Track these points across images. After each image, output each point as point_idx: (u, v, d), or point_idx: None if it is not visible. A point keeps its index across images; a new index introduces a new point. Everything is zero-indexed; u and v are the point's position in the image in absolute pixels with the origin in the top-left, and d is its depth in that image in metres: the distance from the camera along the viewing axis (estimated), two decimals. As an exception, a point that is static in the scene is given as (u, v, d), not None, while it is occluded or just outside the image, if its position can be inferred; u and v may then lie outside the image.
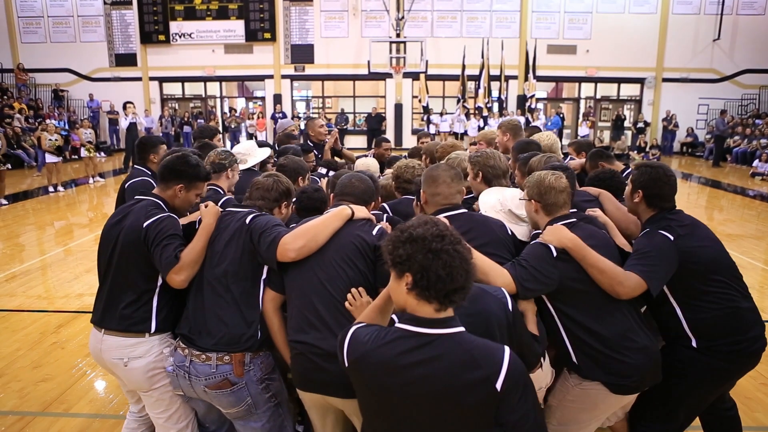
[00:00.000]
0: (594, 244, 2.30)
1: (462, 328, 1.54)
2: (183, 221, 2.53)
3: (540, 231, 2.45)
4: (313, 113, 21.31)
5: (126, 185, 3.57)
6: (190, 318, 2.33)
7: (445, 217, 2.31)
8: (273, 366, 2.41)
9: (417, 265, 1.48)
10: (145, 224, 2.35)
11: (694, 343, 2.38)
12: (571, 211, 2.50)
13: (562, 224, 2.35)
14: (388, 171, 4.09)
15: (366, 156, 5.26)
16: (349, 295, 2.12)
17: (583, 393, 2.31)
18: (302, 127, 10.31)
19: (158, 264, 2.31)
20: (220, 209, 2.49)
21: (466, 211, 2.49)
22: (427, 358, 1.48)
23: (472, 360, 1.47)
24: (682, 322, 2.41)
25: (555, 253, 2.25)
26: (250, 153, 4.17)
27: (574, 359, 2.29)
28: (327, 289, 2.17)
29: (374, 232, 2.29)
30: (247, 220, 2.34)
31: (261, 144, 4.37)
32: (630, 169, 3.60)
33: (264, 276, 2.35)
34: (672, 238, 2.38)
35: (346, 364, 1.59)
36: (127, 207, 2.52)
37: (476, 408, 1.49)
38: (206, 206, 2.48)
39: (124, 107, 15.04)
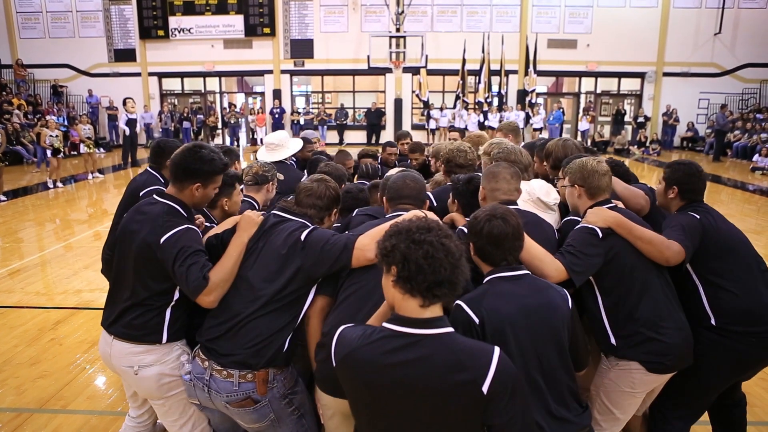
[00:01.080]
0: None
1: (450, 329, 1.52)
2: (218, 229, 2.40)
3: (572, 218, 2.52)
4: (312, 108, 21.28)
5: (140, 193, 3.18)
6: (214, 329, 2.16)
7: None
8: (296, 379, 2.30)
9: (399, 255, 1.48)
10: (161, 240, 2.15)
11: (713, 321, 2.43)
12: None
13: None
14: (391, 171, 3.97)
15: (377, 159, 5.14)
16: None
17: (619, 374, 2.34)
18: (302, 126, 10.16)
19: (184, 286, 2.14)
20: (260, 218, 2.31)
21: (521, 208, 2.52)
22: (412, 359, 1.47)
23: (458, 362, 1.46)
24: (702, 299, 2.47)
25: (601, 234, 2.31)
26: (283, 144, 4.01)
27: (613, 341, 2.33)
28: (379, 293, 2.11)
29: None
30: (302, 237, 2.19)
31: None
32: None
33: (312, 292, 2.22)
34: (698, 216, 2.52)
35: (334, 364, 1.58)
36: (145, 205, 2.33)
37: (462, 410, 1.47)
38: (244, 216, 2.31)
39: (124, 103, 15.00)
